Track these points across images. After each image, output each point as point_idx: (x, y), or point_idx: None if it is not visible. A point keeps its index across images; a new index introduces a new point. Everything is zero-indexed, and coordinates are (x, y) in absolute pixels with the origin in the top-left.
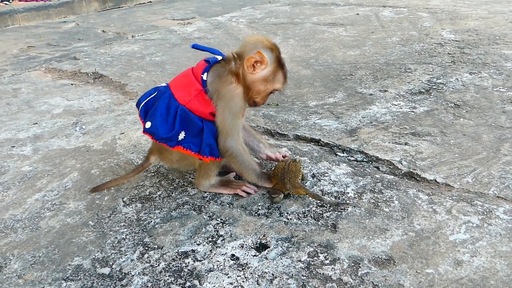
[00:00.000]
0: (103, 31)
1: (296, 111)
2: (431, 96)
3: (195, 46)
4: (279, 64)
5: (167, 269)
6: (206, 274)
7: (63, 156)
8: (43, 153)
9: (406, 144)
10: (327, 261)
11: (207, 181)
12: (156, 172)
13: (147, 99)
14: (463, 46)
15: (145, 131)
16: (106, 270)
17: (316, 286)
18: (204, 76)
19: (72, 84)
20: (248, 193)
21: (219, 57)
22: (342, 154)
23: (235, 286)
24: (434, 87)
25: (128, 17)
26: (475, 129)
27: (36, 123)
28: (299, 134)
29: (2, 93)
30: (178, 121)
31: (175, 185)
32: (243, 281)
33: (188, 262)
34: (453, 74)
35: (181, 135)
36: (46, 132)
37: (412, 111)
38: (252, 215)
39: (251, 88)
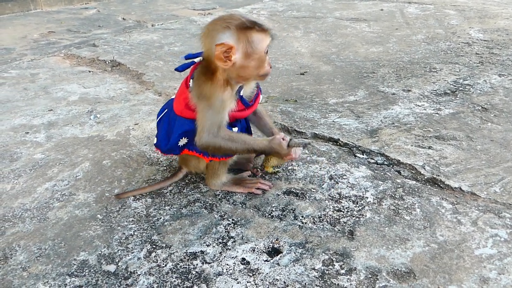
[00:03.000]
0: (123, 18)
1: (315, 108)
2: (457, 98)
3: (188, 57)
4: (245, 29)
5: (174, 270)
6: (215, 278)
7: (76, 145)
8: (56, 141)
9: (429, 148)
10: (342, 271)
11: (218, 180)
12: (168, 166)
13: (162, 114)
14: (492, 46)
15: (155, 145)
16: (112, 268)
17: None
18: (191, 82)
19: (89, 71)
20: (264, 190)
21: (196, 60)
22: (361, 156)
23: None
24: (460, 88)
25: (149, 5)
26: (504, 134)
27: (52, 110)
28: (317, 132)
29: (20, 78)
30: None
31: (187, 181)
32: (254, 287)
33: (197, 264)
34: (481, 75)
35: (183, 141)
36: (61, 119)
37: (437, 113)
38: (265, 216)
39: (245, 73)
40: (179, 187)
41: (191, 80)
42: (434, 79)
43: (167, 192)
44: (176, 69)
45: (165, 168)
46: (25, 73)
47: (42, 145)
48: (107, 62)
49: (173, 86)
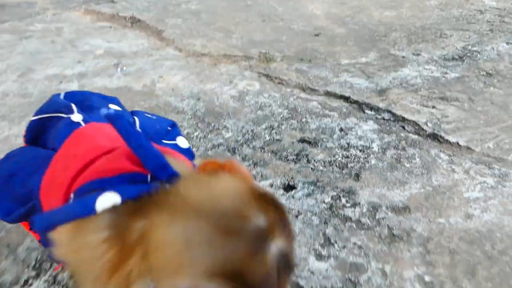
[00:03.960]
0: None
1: (328, 68)
2: (464, 63)
3: (111, 119)
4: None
5: None
6: None
7: (106, 94)
8: (88, 90)
9: (433, 107)
10: (348, 204)
11: None
12: (193, 115)
13: (51, 115)
14: (504, 15)
15: None
16: None
17: (337, 224)
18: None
19: (110, 27)
20: None
21: (105, 203)
22: (370, 112)
23: None
24: (468, 54)
25: None
26: (504, 98)
27: (80, 62)
28: (329, 90)
29: (46, 31)
30: (27, 209)
31: (211, 128)
32: None
33: None
34: (490, 42)
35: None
36: (90, 71)
37: (443, 77)
38: (281, 159)
39: None
40: (204, 133)
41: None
42: (444, 45)
43: (193, 136)
44: (34, 221)
45: (190, 117)
46: (50, 27)
47: None
48: (126, 19)
49: (192, 43)
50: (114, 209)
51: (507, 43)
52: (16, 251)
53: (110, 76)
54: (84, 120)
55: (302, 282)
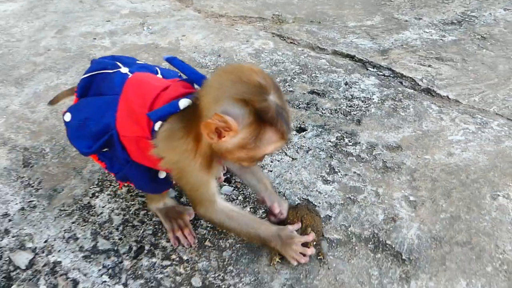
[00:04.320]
0: None
1: (336, 30)
2: (462, 28)
3: (170, 60)
4: (262, 120)
5: None
6: None
7: (136, 50)
8: (120, 46)
9: (429, 66)
10: (350, 143)
11: (154, 204)
12: (215, 70)
13: (98, 72)
14: None
15: (65, 122)
16: None
17: (340, 157)
18: (157, 126)
19: None
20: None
21: (183, 103)
22: (372, 69)
23: (280, 152)
24: (466, 19)
25: None
26: (494, 59)
27: (109, 21)
28: (337, 49)
29: None
30: (102, 142)
31: None
32: (286, 150)
33: None
34: (488, 8)
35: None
36: (119, 29)
37: (441, 39)
38: (294, 107)
39: (226, 156)
40: None
41: (158, 125)
42: (445, 10)
43: None
44: (149, 115)
45: (213, 71)
46: None
47: (110, 49)
48: None
49: (210, 4)
50: (186, 109)
51: (504, 9)
52: (82, 173)
53: (138, 34)
54: (130, 72)
55: (311, 199)
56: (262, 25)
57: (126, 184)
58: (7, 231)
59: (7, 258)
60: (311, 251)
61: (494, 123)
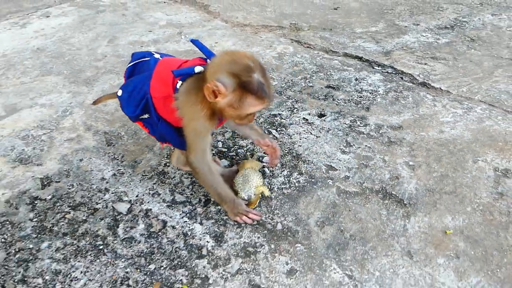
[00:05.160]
0: None
1: (346, 35)
2: (454, 31)
3: (193, 42)
4: (245, 89)
5: (264, 122)
6: (289, 125)
7: (177, 55)
8: (165, 52)
9: (425, 64)
10: (361, 125)
11: (174, 158)
12: None
13: (138, 60)
14: None
15: (118, 97)
16: None
17: (354, 135)
18: (178, 84)
19: (164, 2)
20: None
21: (198, 69)
22: (377, 68)
23: (305, 131)
24: (458, 24)
25: None
26: (480, 57)
27: (151, 31)
28: (347, 52)
29: (115, 6)
30: (142, 105)
31: None
32: (311, 130)
33: (277, 119)
34: (478, 14)
35: (145, 116)
36: (161, 38)
37: (436, 42)
38: (314, 98)
39: (223, 112)
40: None
41: (179, 84)
42: (439, 16)
43: None
44: (173, 71)
45: None
46: (116, 2)
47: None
48: None
49: (235, 15)
50: (199, 75)
51: (492, 15)
52: (153, 149)
53: (177, 42)
54: (161, 56)
55: (333, 164)
56: (281, 32)
57: (166, 145)
58: (106, 189)
59: (111, 207)
60: (251, 218)
61: (478, 108)
